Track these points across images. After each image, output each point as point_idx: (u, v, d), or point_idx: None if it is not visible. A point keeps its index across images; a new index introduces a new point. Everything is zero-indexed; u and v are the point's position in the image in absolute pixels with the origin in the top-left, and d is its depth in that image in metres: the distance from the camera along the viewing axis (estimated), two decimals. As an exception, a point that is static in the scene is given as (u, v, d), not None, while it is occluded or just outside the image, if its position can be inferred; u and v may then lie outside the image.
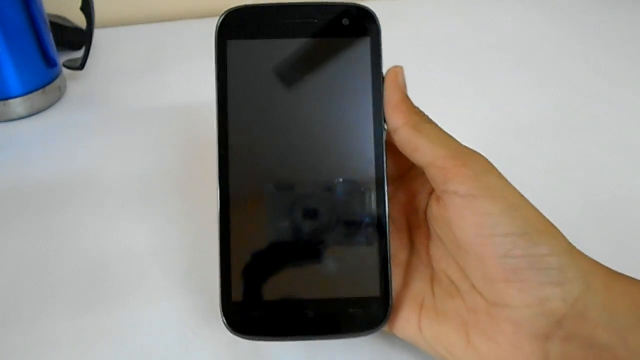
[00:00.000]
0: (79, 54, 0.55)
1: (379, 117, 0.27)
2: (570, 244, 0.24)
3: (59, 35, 0.56)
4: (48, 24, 0.52)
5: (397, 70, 0.28)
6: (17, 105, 0.51)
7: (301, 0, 0.27)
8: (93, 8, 0.53)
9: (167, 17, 0.73)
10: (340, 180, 0.27)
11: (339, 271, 0.26)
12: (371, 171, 0.27)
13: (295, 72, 0.27)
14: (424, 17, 0.72)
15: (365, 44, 0.27)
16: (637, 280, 0.24)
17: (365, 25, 0.27)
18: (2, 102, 0.50)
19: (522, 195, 0.25)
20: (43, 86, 0.52)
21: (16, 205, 0.41)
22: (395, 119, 0.26)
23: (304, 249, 0.27)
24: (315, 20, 0.27)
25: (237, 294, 0.26)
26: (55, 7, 0.61)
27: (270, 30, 0.27)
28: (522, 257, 0.23)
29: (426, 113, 0.28)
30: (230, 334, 0.27)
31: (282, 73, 0.27)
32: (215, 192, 0.27)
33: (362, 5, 0.27)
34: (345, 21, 0.27)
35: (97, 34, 0.56)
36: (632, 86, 0.56)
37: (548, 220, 0.24)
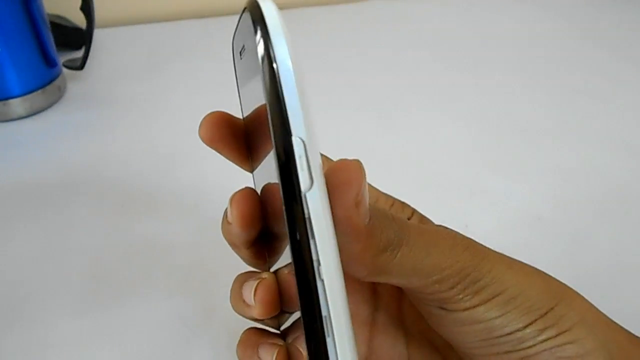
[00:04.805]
0: (79, 54, 0.55)
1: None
2: (584, 310, 0.21)
3: (59, 35, 0.56)
4: (48, 24, 0.52)
5: (355, 181, 0.17)
6: (17, 105, 0.51)
7: None
8: (93, 8, 0.53)
9: (167, 17, 0.72)
10: None
11: None
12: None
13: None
14: (424, 17, 0.72)
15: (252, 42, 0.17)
16: None
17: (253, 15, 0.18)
18: (2, 102, 0.50)
19: (520, 271, 0.21)
20: (43, 86, 0.52)
21: (16, 205, 0.41)
22: (355, 272, 0.19)
23: None
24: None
25: None
26: (55, 7, 0.61)
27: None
28: (532, 346, 0.20)
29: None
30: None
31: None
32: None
33: None
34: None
35: (97, 34, 0.55)
36: (632, 86, 0.56)
37: (557, 288, 0.21)
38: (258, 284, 0.20)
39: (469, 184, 0.43)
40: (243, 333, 0.22)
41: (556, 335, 0.20)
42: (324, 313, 0.17)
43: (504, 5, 0.75)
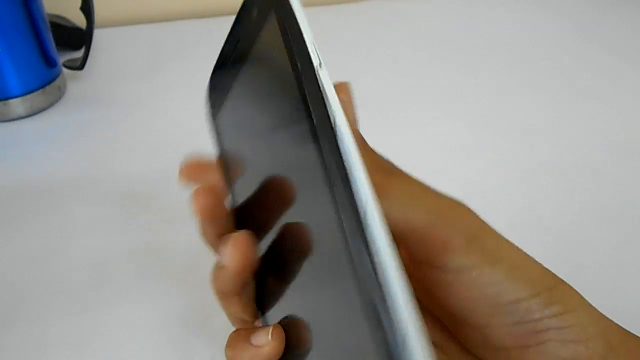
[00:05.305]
0: (79, 54, 0.55)
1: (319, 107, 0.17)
2: (582, 297, 0.21)
3: (59, 35, 0.56)
4: (48, 24, 0.52)
5: (345, 95, 0.21)
6: (17, 105, 0.51)
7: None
8: (93, 8, 0.53)
9: (167, 17, 0.73)
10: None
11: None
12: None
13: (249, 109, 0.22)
14: (424, 17, 0.72)
15: (271, 19, 0.19)
16: None
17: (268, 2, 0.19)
18: (2, 102, 0.50)
19: (519, 249, 0.21)
20: (43, 86, 0.52)
21: (16, 205, 0.41)
22: None
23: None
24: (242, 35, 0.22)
25: None
26: (55, 7, 0.61)
27: (233, 72, 0.24)
28: (537, 320, 0.20)
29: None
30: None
31: (244, 113, 0.23)
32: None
33: None
34: (253, 12, 0.21)
35: (97, 34, 0.56)
36: (633, 86, 0.56)
37: (554, 274, 0.22)
38: (273, 328, 0.21)
39: (469, 183, 0.43)
40: (230, 335, 0.22)
41: (562, 313, 0.20)
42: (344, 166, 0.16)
43: (504, 5, 0.75)
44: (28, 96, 0.51)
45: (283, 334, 0.21)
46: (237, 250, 0.21)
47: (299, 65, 0.17)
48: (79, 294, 0.34)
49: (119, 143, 0.48)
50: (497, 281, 0.20)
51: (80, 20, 0.54)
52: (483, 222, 0.21)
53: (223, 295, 0.22)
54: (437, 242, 0.20)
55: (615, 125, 0.50)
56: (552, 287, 0.21)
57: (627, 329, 0.22)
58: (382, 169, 0.21)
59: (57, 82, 0.53)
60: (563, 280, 0.21)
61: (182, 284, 0.35)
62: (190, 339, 0.31)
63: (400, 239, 0.20)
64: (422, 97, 0.54)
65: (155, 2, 0.73)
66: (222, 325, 0.27)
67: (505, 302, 0.20)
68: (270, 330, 0.21)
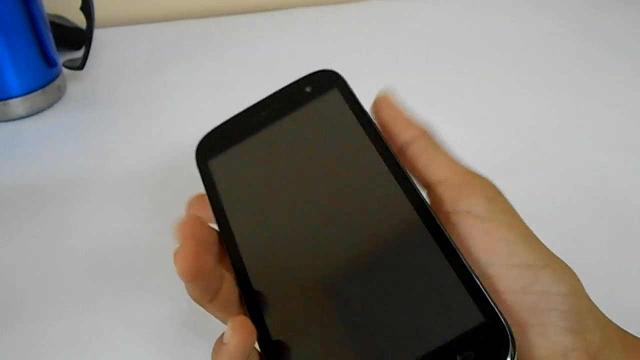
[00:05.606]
0: (79, 54, 0.55)
1: (388, 156, 0.23)
2: (584, 289, 0.21)
3: (59, 35, 0.56)
4: (48, 24, 0.52)
5: (391, 92, 0.26)
6: (17, 105, 0.51)
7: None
8: (93, 8, 0.53)
9: (167, 17, 0.73)
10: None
11: (422, 319, 0.20)
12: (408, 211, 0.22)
13: (285, 159, 0.25)
14: (424, 17, 0.72)
15: (336, 96, 0.26)
16: None
17: (327, 81, 0.26)
18: (2, 102, 0.50)
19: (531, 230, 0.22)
20: (43, 86, 0.52)
21: (16, 205, 0.41)
22: (410, 131, 0.24)
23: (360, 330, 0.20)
24: (282, 104, 0.26)
25: None
26: (55, 7, 0.61)
27: (245, 133, 0.26)
28: (542, 294, 0.20)
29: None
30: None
31: (273, 167, 0.25)
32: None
33: (316, 71, 0.27)
34: (308, 89, 0.26)
35: (97, 34, 0.56)
36: (632, 86, 0.56)
37: (563, 260, 0.22)
38: (231, 322, 0.21)
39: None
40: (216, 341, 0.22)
41: (568, 295, 0.20)
42: None
43: (504, 5, 0.75)
44: (28, 96, 0.51)
45: (247, 326, 0.21)
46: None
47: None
48: (79, 294, 0.34)
49: (119, 143, 0.48)
50: (511, 240, 0.21)
51: (80, 20, 0.54)
52: (502, 194, 0.23)
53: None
54: (468, 188, 0.22)
55: (615, 125, 0.50)
56: (561, 266, 0.21)
57: (627, 329, 0.22)
58: (428, 130, 0.25)
59: (57, 82, 0.54)
60: (571, 268, 0.21)
61: (182, 284, 0.35)
62: (190, 339, 0.31)
63: (439, 183, 0.23)
64: (422, 97, 0.54)
65: (155, 2, 0.73)
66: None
67: (517, 263, 0.20)
68: (230, 325, 0.21)
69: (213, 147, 0.27)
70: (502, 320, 0.18)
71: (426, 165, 0.24)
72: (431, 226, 0.21)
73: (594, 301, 0.21)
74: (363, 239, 0.22)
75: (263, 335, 0.22)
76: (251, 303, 0.23)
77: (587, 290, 0.22)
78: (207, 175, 0.26)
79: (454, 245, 0.20)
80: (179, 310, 0.33)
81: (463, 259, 0.20)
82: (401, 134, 0.25)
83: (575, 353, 0.19)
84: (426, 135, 0.24)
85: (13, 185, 0.43)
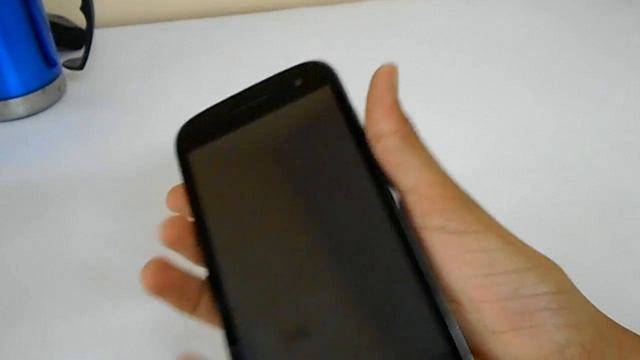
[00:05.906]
0: (79, 54, 0.55)
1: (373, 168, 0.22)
2: (572, 283, 0.21)
3: (59, 35, 0.56)
4: (48, 24, 0.52)
5: (391, 70, 0.24)
6: (17, 105, 0.51)
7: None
8: (93, 8, 0.53)
9: (167, 17, 0.73)
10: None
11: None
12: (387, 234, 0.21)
13: (267, 157, 0.24)
14: (424, 17, 0.72)
15: (326, 92, 0.24)
16: None
17: (317, 74, 0.25)
18: (2, 102, 0.50)
19: (511, 232, 0.21)
20: (43, 86, 0.52)
21: (16, 205, 0.41)
22: (384, 124, 0.22)
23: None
24: (269, 95, 0.25)
25: None
26: (55, 7, 0.61)
27: (228, 126, 0.25)
28: (531, 297, 0.19)
29: (417, 122, 0.24)
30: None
31: (253, 164, 0.24)
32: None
33: (308, 61, 0.25)
34: (297, 81, 0.25)
35: (97, 34, 0.56)
36: (632, 86, 0.56)
37: (546, 256, 0.21)
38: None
39: (468, 183, 0.43)
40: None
41: (556, 293, 0.20)
42: None
43: (504, 5, 0.75)
44: (28, 96, 0.51)
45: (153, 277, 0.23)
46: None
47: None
48: (79, 294, 0.34)
49: (119, 143, 0.48)
50: (490, 248, 0.20)
51: (80, 20, 0.54)
52: (478, 202, 0.22)
53: None
54: (440, 200, 0.21)
55: (615, 125, 0.50)
56: (545, 265, 0.21)
57: (627, 328, 0.22)
58: (410, 125, 0.23)
59: (57, 82, 0.53)
60: (555, 262, 0.21)
61: (182, 284, 0.35)
62: (190, 339, 0.31)
63: (406, 192, 0.21)
64: (422, 97, 0.54)
65: (155, 2, 0.73)
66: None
67: (499, 271, 0.20)
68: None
69: (194, 138, 0.26)
70: (461, 353, 0.19)
71: (396, 167, 0.22)
72: (401, 244, 0.20)
73: (594, 301, 0.21)
74: (336, 249, 0.21)
75: (231, 335, 0.22)
76: (221, 303, 0.23)
77: (588, 291, 0.21)
78: (185, 167, 0.26)
79: (419, 265, 0.20)
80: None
81: (429, 282, 0.20)
82: (376, 124, 0.22)
83: (570, 348, 0.19)
84: (403, 130, 0.22)
85: (13, 185, 0.43)
